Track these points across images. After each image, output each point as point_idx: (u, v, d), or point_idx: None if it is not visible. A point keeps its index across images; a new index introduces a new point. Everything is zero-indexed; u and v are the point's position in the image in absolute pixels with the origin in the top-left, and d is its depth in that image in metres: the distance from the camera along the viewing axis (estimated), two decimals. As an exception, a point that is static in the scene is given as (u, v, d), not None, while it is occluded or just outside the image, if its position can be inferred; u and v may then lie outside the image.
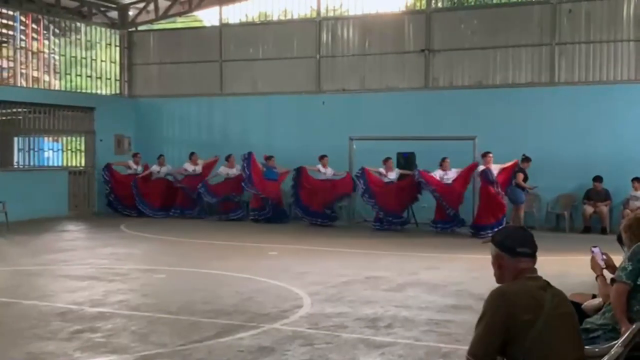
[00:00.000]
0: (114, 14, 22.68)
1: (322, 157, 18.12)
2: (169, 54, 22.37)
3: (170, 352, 6.33)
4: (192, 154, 19.81)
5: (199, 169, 19.64)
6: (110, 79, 22.91)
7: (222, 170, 19.35)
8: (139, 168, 20.34)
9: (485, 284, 9.37)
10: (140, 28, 23.02)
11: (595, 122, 17.17)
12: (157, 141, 22.02)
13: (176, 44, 22.31)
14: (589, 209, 16.49)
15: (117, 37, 22.88)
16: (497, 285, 3.49)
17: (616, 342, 3.70)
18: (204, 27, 22.54)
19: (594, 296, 5.10)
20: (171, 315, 7.84)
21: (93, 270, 10.84)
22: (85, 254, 12.68)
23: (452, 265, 11.82)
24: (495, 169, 15.89)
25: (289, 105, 20.38)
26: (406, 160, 17.54)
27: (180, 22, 23.15)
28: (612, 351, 3.18)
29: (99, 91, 22.68)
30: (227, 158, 19.30)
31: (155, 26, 23.25)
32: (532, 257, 3.49)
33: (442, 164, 16.45)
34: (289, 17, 21.38)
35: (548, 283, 3.44)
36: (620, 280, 4.44)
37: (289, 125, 20.28)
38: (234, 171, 19.08)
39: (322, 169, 18.10)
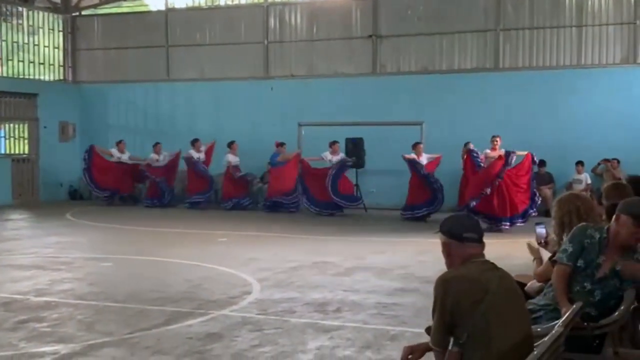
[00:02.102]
0: (57, -2, 22.24)
1: (333, 143, 17.11)
2: (114, 39, 22.03)
3: (118, 340, 6.28)
4: (156, 144, 19.27)
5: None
6: (53, 64, 22.47)
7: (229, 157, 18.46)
8: (123, 156, 19.63)
9: (431, 267, 9.61)
10: (84, 12, 22.60)
11: (538, 106, 17.51)
12: (103, 128, 21.74)
13: (121, 28, 21.98)
14: (533, 192, 16.81)
15: (61, 22, 22.43)
16: (444, 270, 3.58)
17: (557, 321, 3.80)
18: (149, 12, 22.24)
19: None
20: (118, 303, 7.76)
21: (38, 260, 10.65)
22: (30, 243, 12.46)
23: (398, 249, 11.95)
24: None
25: (237, 91, 20.27)
26: (355, 146, 17.62)
27: (125, 7, 22.79)
28: (554, 330, 3.27)
29: (42, 77, 22.21)
30: (230, 144, 18.50)
31: (100, 11, 22.87)
32: (479, 242, 3.58)
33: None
34: (236, 2, 21.24)
35: (495, 265, 3.52)
36: (561, 262, 4.53)
37: (237, 111, 20.19)
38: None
39: (329, 157, 17.07)
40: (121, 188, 19.50)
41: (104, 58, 22.28)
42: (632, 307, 4.31)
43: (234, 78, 20.35)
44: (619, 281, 4.45)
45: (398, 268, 9.86)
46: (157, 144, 19.34)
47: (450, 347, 3.40)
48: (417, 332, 6.11)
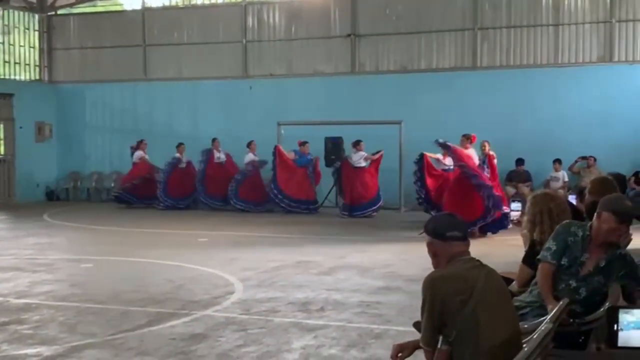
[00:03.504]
0: (32, -2, 22.00)
1: (357, 142, 16.65)
2: (90, 38, 21.84)
3: (101, 342, 6.23)
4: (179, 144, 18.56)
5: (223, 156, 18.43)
6: (29, 64, 22.22)
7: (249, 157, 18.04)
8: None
9: (413, 266, 9.64)
10: (60, 12, 22.37)
11: (516, 105, 17.63)
12: (80, 128, 21.59)
13: (98, 28, 21.79)
14: (511, 190, 16.92)
15: (36, 21, 22.20)
16: (426, 269, 3.60)
17: (544, 318, 3.83)
18: (126, 11, 22.08)
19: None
20: (100, 305, 7.70)
21: (17, 261, 10.53)
22: (8, 245, 12.33)
23: (380, 248, 11.97)
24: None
25: (215, 90, 20.19)
26: (334, 145, 17.61)
27: (100, 6, 22.61)
28: (543, 327, 3.30)
29: (17, 77, 21.94)
30: (249, 144, 17.98)
31: (75, 10, 22.64)
32: (463, 240, 3.61)
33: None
34: (213, 1, 21.16)
35: (481, 263, 3.55)
36: (545, 260, 4.56)
37: (215, 111, 20.12)
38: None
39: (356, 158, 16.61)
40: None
41: (81, 57, 22.08)
42: (607, 307, 4.34)
43: (212, 77, 20.26)
44: (603, 278, 4.49)
45: (380, 267, 9.88)
46: (180, 144, 18.59)
47: (439, 345, 3.41)
48: (402, 330, 6.16)
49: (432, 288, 3.43)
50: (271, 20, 20.11)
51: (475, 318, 3.32)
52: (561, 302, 4.03)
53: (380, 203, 16.62)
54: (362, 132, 17.30)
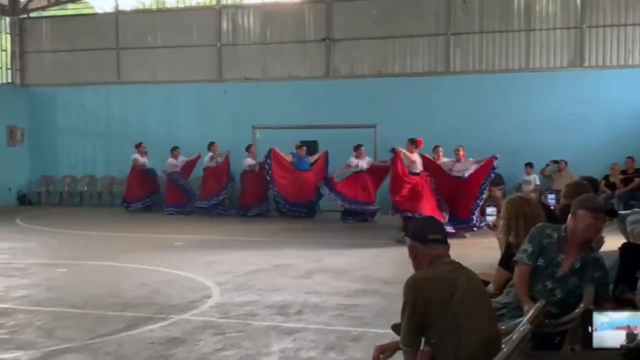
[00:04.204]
0: (4, 0, 21.75)
1: (357, 147, 16.37)
2: (63, 41, 21.69)
3: (80, 346, 6.21)
4: (174, 148, 18.33)
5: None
6: (1, 67, 22.00)
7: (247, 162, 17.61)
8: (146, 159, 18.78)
9: (389, 269, 9.73)
10: (32, 14, 22.19)
11: (488, 109, 17.85)
12: (52, 131, 21.42)
13: (70, 31, 21.65)
14: (484, 194, 17.08)
15: (8, 24, 21.98)
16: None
17: (521, 319, 3.91)
18: (98, 14, 21.96)
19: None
20: (76, 309, 7.65)
21: (-10, 266, 10.45)
22: (-20, 250, 12.21)
23: (355, 251, 11.98)
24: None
25: (189, 94, 20.17)
26: (309, 148, 17.65)
27: (71, 9, 22.45)
28: (522, 328, 3.37)
29: (-12, 80, 21.76)
30: (248, 148, 17.64)
31: (48, 12, 22.45)
32: (444, 243, 3.67)
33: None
34: (187, 4, 21.12)
35: (461, 265, 3.62)
36: (522, 262, 4.66)
37: (190, 114, 20.09)
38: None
39: (354, 162, 16.31)
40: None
41: (53, 61, 21.92)
42: (581, 310, 4.43)
43: (186, 81, 20.23)
44: (577, 280, 4.58)
45: (356, 270, 9.93)
46: (175, 148, 18.37)
47: (422, 347, 3.47)
48: (380, 332, 6.21)
49: (414, 290, 3.48)
50: (246, 24, 20.13)
51: (456, 319, 3.38)
52: (538, 304, 4.12)
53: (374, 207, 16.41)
54: (337, 135, 17.41)
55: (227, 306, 7.71)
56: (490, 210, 5.58)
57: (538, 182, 17.10)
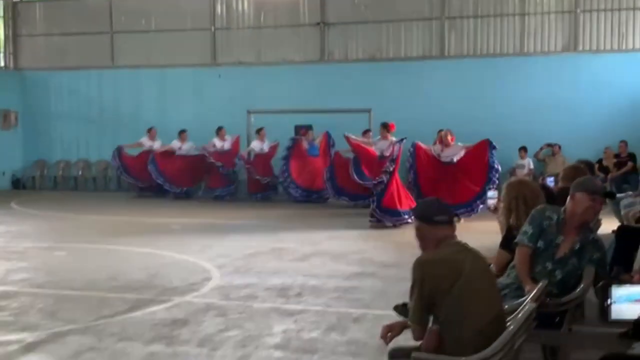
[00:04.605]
0: (-4, -17, 21.66)
1: (366, 132, 16.08)
2: (56, 25, 21.57)
3: (83, 327, 6.27)
4: (219, 128, 17.82)
5: (227, 145, 17.86)
6: (-7, 51, 21.93)
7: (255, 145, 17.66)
8: (155, 144, 18.40)
9: (385, 252, 9.84)
10: (25, -2, 22.07)
11: (482, 93, 17.89)
12: (46, 115, 21.35)
13: (64, 14, 21.53)
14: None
15: (1, 7, 21.84)
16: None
17: (523, 298, 4.00)
18: (90, -2, 21.86)
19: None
20: (77, 292, 7.73)
21: (-12, 250, 10.49)
22: (-23, 233, 12.23)
23: (351, 234, 12.04)
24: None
25: (183, 78, 20.13)
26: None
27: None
28: (527, 307, 3.46)
29: (-19, 64, 21.65)
30: (259, 131, 17.61)
31: (41, -4, 22.32)
32: (450, 224, 3.75)
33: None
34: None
35: (467, 246, 3.70)
36: (522, 244, 4.75)
37: (184, 98, 20.07)
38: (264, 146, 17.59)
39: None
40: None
41: (46, 44, 21.81)
42: (600, 285, 4.52)
43: (180, 65, 20.18)
44: (577, 261, 4.67)
45: (353, 253, 10.01)
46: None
47: (430, 325, 3.56)
48: (380, 314, 6.30)
49: (422, 270, 3.57)
50: (240, 8, 20.08)
51: (463, 298, 3.47)
52: (540, 284, 4.21)
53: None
54: (331, 120, 17.41)
55: (228, 288, 7.79)
56: (491, 193, 5.67)
57: (532, 166, 17.19)
